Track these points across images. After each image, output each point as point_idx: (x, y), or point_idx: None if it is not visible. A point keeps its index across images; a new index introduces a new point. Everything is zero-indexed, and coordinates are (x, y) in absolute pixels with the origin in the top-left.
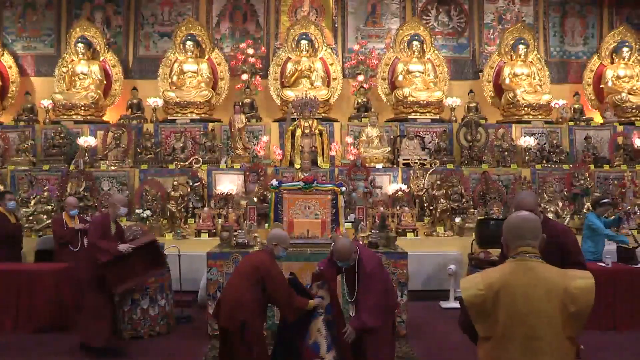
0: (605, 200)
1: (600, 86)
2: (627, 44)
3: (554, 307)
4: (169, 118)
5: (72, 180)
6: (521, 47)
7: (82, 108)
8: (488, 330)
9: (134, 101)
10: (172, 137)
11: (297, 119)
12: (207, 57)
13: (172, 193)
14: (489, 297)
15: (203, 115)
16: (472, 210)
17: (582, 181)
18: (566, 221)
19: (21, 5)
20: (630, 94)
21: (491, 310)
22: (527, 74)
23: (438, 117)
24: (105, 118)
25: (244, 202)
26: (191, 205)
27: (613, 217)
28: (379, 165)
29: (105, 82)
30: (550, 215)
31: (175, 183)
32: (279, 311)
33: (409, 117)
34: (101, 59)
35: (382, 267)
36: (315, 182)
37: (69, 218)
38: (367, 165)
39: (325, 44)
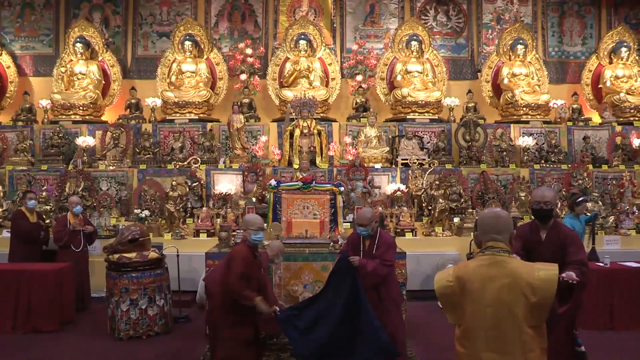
0: (582, 199)
1: (599, 86)
2: (625, 44)
3: (515, 299)
4: (167, 118)
5: (70, 180)
6: (520, 47)
7: (81, 108)
8: (457, 319)
9: (133, 101)
10: (170, 137)
11: (296, 119)
12: (205, 57)
13: (171, 193)
14: (456, 289)
15: (201, 115)
16: (470, 210)
17: (580, 181)
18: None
19: (19, 5)
20: (628, 94)
21: (458, 301)
22: (525, 74)
23: (437, 117)
24: (103, 118)
25: (242, 202)
26: (190, 205)
27: (590, 214)
28: (378, 165)
29: (103, 82)
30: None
31: (174, 183)
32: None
33: (408, 117)
34: (99, 58)
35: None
36: (313, 182)
37: (73, 218)
38: (365, 165)
39: (324, 44)
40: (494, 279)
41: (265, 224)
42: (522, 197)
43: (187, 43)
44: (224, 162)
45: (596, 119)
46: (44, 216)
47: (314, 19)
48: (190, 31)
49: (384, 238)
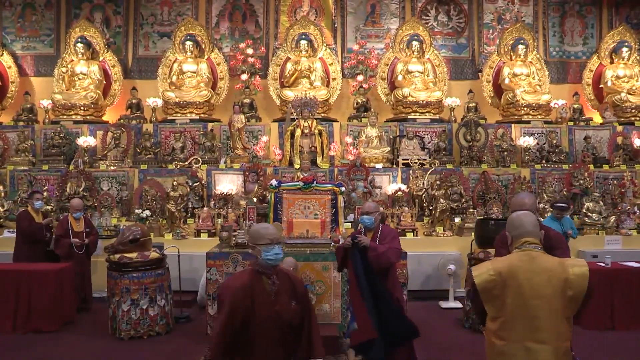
0: (560, 205)
1: (600, 86)
2: (626, 43)
3: (554, 292)
4: (168, 118)
5: (71, 180)
6: (520, 47)
7: (82, 108)
8: (497, 311)
9: (134, 101)
10: (171, 137)
11: (297, 119)
12: (206, 57)
13: (172, 193)
14: (498, 282)
15: (202, 115)
16: (471, 210)
17: (581, 181)
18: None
19: (20, 5)
20: (629, 93)
21: (499, 294)
22: (526, 74)
23: (437, 117)
24: (104, 118)
25: (243, 202)
26: (190, 205)
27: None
28: (379, 165)
29: (104, 82)
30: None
31: (175, 183)
32: None
33: (409, 117)
34: (100, 59)
35: None
36: (314, 182)
37: (74, 220)
38: (366, 165)
39: (325, 44)
40: (535, 274)
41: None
42: None
43: (188, 43)
44: (225, 162)
45: (597, 119)
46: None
47: (314, 19)
48: (191, 31)
49: (386, 230)
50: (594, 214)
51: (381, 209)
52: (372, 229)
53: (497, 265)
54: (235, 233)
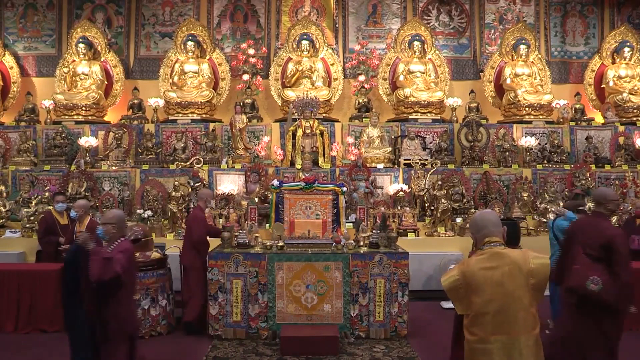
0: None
1: (602, 86)
2: (628, 43)
3: (517, 282)
4: (170, 118)
5: (73, 180)
6: (522, 47)
7: (83, 108)
8: (465, 309)
9: (135, 101)
10: (173, 138)
11: (298, 119)
12: (208, 57)
13: (173, 193)
14: (462, 282)
15: (204, 115)
16: (473, 211)
17: (583, 181)
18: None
19: (22, 6)
20: (631, 94)
21: (465, 293)
22: (528, 74)
23: (439, 118)
24: (106, 118)
25: (245, 202)
26: (192, 206)
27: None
28: (380, 166)
29: (106, 82)
30: (550, 216)
31: (176, 183)
32: None
33: (410, 117)
34: (102, 59)
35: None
36: (316, 182)
37: (77, 224)
38: (368, 165)
39: (326, 44)
40: (496, 268)
41: (268, 225)
42: (525, 197)
43: (190, 43)
44: (227, 163)
45: (599, 119)
46: None
47: (316, 19)
48: (192, 31)
49: (123, 245)
50: None
51: (382, 209)
52: (107, 240)
53: (461, 268)
54: (236, 233)
